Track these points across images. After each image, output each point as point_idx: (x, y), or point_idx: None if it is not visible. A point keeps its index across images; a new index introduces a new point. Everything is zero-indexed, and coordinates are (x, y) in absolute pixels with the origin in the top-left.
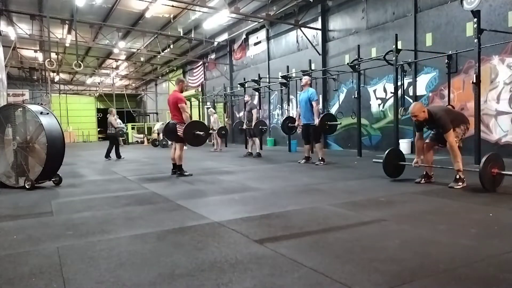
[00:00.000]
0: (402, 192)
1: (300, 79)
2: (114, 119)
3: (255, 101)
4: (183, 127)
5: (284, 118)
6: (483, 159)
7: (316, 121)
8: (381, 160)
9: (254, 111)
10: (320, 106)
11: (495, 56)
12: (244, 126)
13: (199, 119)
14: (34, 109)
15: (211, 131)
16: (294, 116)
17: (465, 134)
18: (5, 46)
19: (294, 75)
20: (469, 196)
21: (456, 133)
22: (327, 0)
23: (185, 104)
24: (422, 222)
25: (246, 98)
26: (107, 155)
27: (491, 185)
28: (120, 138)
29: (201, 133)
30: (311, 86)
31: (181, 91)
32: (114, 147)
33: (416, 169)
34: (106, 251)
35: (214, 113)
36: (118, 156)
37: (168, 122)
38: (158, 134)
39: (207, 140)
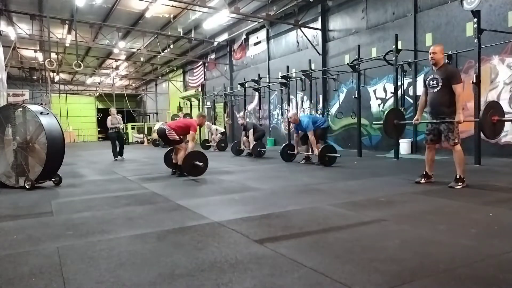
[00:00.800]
0: (402, 192)
1: (300, 79)
2: (109, 120)
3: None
4: (174, 134)
5: (283, 145)
6: (483, 107)
7: (316, 152)
8: (381, 122)
9: (251, 132)
10: (320, 106)
11: (495, 56)
12: (242, 147)
13: None
14: (34, 109)
15: (211, 143)
16: (293, 143)
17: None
18: (5, 46)
19: (294, 75)
20: (469, 196)
21: (457, 129)
22: (327, 0)
23: (196, 133)
24: (422, 222)
25: (240, 121)
26: (114, 156)
27: (493, 133)
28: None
29: (200, 164)
30: (299, 117)
31: (200, 126)
32: (114, 147)
33: (416, 169)
34: (106, 251)
35: (211, 125)
36: (114, 155)
37: (160, 127)
38: None
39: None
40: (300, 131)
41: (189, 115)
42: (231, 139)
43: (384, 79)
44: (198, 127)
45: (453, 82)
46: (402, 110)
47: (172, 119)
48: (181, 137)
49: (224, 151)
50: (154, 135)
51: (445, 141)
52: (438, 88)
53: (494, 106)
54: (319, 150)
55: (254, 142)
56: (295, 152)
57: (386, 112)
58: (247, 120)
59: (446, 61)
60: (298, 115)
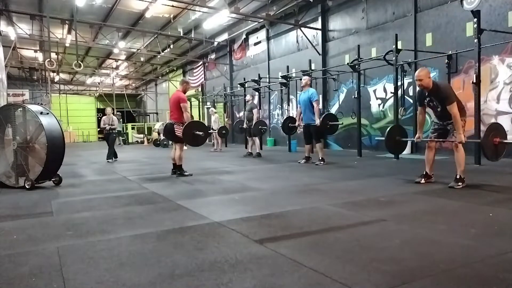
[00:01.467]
0: (402, 192)
1: (300, 79)
2: (102, 120)
3: (256, 101)
4: (181, 127)
5: (284, 118)
6: (486, 129)
7: (317, 121)
8: (383, 138)
9: (255, 111)
10: (320, 106)
11: (495, 56)
12: (244, 125)
13: (199, 119)
14: (34, 109)
15: (211, 131)
16: (295, 116)
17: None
18: (5, 46)
19: (294, 75)
20: (469, 196)
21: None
22: (327, 0)
23: (187, 103)
24: (422, 222)
25: (248, 97)
26: (107, 157)
27: (494, 155)
28: (118, 138)
29: (200, 133)
30: (311, 86)
31: (185, 92)
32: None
33: (416, 169)
34: (106, 251)
35: (215, 112)
36: (108, 156)
37: (167, 123)
38: (159, 134)
39: (207, 140)
40: (299, 106)
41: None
42: (231, 139)
43: (384, 79)
44: (185, 95)
45: (446, 104)
46: (402, 110)
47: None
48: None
49: (224, 152)
50: (155, 135)
51: (453, 136)
52: (440, 108)
53: (497, 128)
54: (320, 119)
55: (256, 121)
56: (296, 124)
57: (388, 129)
58: (254, 101)
59: (433, 80)
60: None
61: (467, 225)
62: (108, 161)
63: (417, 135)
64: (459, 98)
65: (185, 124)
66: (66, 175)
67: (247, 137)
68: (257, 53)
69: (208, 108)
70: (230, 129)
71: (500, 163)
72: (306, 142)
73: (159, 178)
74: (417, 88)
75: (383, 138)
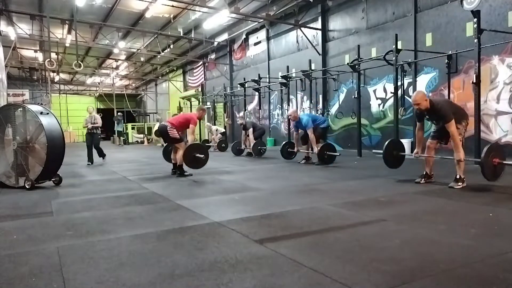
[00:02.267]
0: (402, 192)
1: (301, 79)
2: (85, 120)
3: (253, 103)
4: (174, 130)
5: (283, 143)
6: (485, 149)
7: (315, 149)
8: (381, 151)
9: (250, 131)
10: (320, 106)
11: (495, 56)
12: (243, 147)
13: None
14: (34, 109)
15: (211, 144)
16: (293, 140)
17: (466, 130)
18: (5, 46)
19: (294, 75)
20: (469, 196)
21: (458, 130)
22: (327, 0)
23: (195, 127)
24: (422, 222)
25: (239, 121)
26: (100, 155)
27: (493, 176)
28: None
29: (201, 155)
30: (299, 115)
31: (199, 118)
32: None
33: (416, 169)
34: (106, 251)
35: (211, 125)
36: (89, 159)
37: (161, 124)
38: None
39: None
40: (299, 129)
41: None
42: (231, 139)
43: (384, 79)
44: (198, 121)
45: (444, 122)
46: (402, 110)
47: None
48: (181, 134)
49: (225, 151)
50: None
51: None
52: (439, 126)
53: (496, 149)
54: (319, 148)
55: (254, 141)
56: (295, 150)
57: (386, 144)
58: (247, 119)
59: (429, 100)
60: (297, 113)
61: (467, 225)
62: (88, 164)
63: (415, 151)
64: (458, 106)
65: (187, 146)
66: (66, 175)
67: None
68: (257, 53)
69: (208, 108)
70: (230, 129)
71: None
72: (302, 143)
73: (159, 178)
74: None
75: (381, 152)
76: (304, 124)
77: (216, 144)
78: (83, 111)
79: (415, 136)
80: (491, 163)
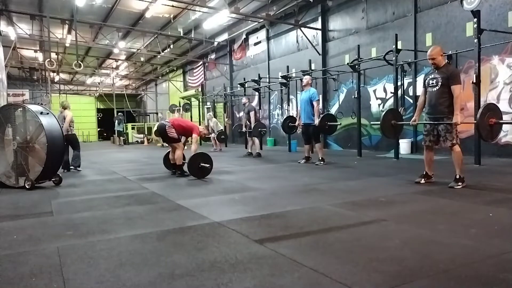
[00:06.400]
0: (402, 192)
1: (300, 79)
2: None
3: (254, 103)
4: (173, 130)
5: (284, 117)
6: (481, 109)
7: (316, 121)
8: (379, 123)
9: (252, 113)
10: (321, 106)
11: (495, 56)
12: (244, 129)
13: (199, 119)
14: (34, 109)
15: (211, 135)
16: (295, 116)
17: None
18: (5, 46)
19: (294, 75)
20: (469, 196)
21: (455, 129)
22: (327, 0)
23: (198, 137)
24: (422, 222)
25: (244, 100)
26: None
27: (488, 135)
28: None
29: (207, 165)
30: (311, 86)
31: (201, 136)
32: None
33: (416, 169)
34: (106, 251)
35: (212, 116)
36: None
37: (160, 123)
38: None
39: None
40: (299, 107)
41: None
42: (231, 139)
43: (384, 79)
44: (200, 134)
45: (452, 83)
46: (402, 110)
47: (171, 109)
48: (180, 136)
49: (224, 152)
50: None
51: (443, 142)
52: (437, 88)
53: (492, 109)
54: (319, 119)
55: (256, 123)
56: (296, 124)
57: (383, 113)
58: (252, 104)
59: (447, 61)
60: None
61: (467, 225)
62: (78, 170)
63: (413, 118)
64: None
65: (191, 156)
66: (66, 175)
67: (247, 137)
68: (257, 53)
69: (208, 109)
70: (230, 129)
71: (500, 163)
72: (305, 142)
73: (159, 178)
74: (422, 80)
75: (379, 123)
76: (312, 95)
77: (215, 136)
78: (83, 111)
79: (415, 136)
80: (487, 123)
